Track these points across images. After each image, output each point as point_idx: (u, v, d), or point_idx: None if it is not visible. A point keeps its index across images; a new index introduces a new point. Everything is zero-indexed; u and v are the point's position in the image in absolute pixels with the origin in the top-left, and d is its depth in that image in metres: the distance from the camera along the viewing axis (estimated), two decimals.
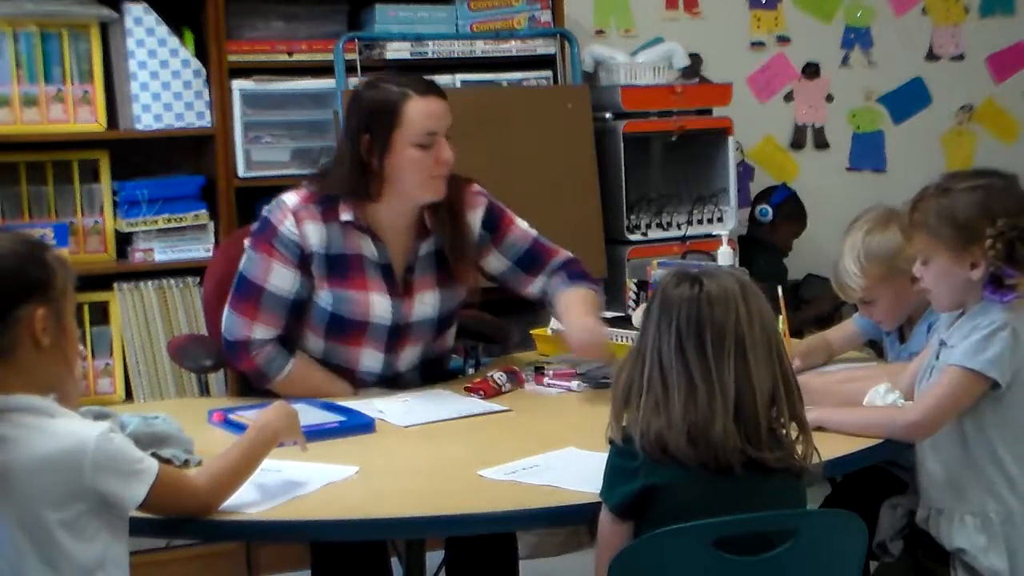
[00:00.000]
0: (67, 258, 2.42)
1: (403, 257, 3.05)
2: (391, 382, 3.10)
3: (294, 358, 3.02)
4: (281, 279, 2.97)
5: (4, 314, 2.03)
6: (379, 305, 3.02)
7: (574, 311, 3.04)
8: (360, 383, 3.08)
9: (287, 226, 2.97)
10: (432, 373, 3.17)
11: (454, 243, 3.06)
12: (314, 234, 2.97)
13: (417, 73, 3.26)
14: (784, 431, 2.11)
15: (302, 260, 2.97)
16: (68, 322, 2.10)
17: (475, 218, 3.12)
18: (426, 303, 3.07)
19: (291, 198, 3.01)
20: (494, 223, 3.14)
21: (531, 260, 3.17)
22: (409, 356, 3.10)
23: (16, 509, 1.99)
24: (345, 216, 2.98)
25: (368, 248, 3.01)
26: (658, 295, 2.14)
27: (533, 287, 3.17)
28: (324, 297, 3.00)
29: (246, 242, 3.05)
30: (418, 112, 2.94)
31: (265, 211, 3.04)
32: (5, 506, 1.99)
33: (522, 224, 3.19)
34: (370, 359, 3.06)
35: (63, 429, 2.02)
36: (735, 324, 2.07)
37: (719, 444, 2.04)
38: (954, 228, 2.47)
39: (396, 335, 3.06)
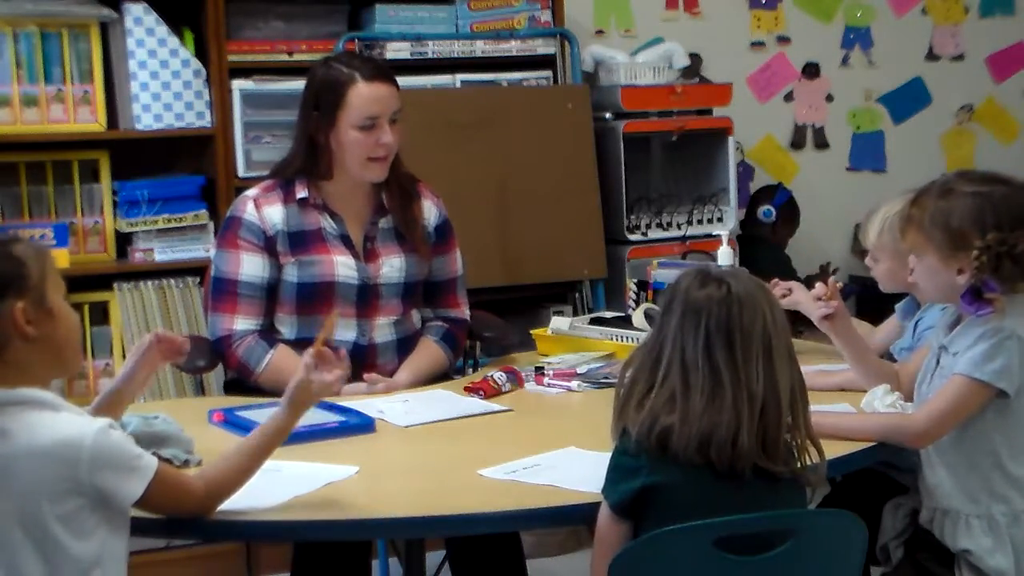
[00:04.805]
0: (40, 245, 2.38)
1: (360, 230, 3.17)
2: (368, 355, 3.14)
3: (274, 349, 3.08)
4: (252, 267, 3.09)
5: None
6: (343, 264, 3.12)
7: (410, 360, 3.18)
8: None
9: (248, 213, 3.11)
10: (407, 351, 3.20)
11: (406, 220, 3.18)
12: (274, 215, 3.11)
13: (417, 73, 3.27)
14: (796, 441, 2.09)
15: (267, 242, 3.10)
16: (54, 303, 2.07)
17: (431, 212, 3.25)
18: (393, 267, 3.17)
19: (251, 190, 3.17)
20: (444, 235, 3.27)
21: (436, 292, 3.30)
22: (383, 325, 3.16)
23: (12, 502, 1.98)
24: (301, 194, 3.11)
25: (326, 222, 3.14)
26: (680, 295, 2.10)
27: (417, 311, 3.26)
28: (289, 271, 3.11)
29: (213, 245, 3.10)
30: (361, 97, 3.07)
31: (228, 211, 3.18)
32: (1, 499, 1.98)
33: (459, 257, 3.31)
34: (343, 326, 3.12)
35: (62, 423, 2.01)
36: (763, 328, 2.05)
37: (741, 450, 2.02)
38: (945, 233, 2.46)
39: (365, 296, 3.13)
